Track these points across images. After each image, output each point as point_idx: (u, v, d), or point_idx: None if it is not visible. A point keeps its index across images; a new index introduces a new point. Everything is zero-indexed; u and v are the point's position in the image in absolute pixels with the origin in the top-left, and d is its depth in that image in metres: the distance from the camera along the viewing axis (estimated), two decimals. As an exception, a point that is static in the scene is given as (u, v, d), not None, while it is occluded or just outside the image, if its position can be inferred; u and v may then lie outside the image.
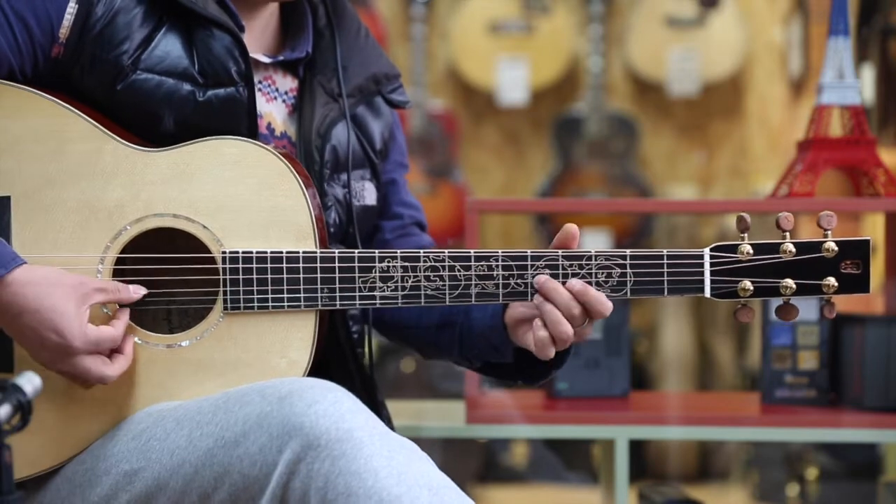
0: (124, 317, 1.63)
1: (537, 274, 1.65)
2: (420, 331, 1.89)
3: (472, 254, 1.65)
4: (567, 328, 1.63)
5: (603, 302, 1.64)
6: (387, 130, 1.93)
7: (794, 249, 1.64)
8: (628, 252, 1.65)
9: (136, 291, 1.64)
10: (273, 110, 1.81)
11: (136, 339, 1.65)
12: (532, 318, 1.68)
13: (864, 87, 3.74)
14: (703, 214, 5.15)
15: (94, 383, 1.61)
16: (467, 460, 4.45)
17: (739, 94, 5.36)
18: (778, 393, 2.37)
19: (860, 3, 3.92)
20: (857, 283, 1.64)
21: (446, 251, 1.66)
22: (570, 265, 1.65)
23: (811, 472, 3.68)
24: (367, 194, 1.89)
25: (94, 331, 1.58)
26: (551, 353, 1.66)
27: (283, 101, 1.83)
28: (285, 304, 1.65)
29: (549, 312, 1.64)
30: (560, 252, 1.65)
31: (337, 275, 1.65)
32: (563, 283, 1.64)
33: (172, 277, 1.67)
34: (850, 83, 2.36)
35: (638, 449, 4.58)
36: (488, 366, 1.85)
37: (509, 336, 1.73)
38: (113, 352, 1.61)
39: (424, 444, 1.64)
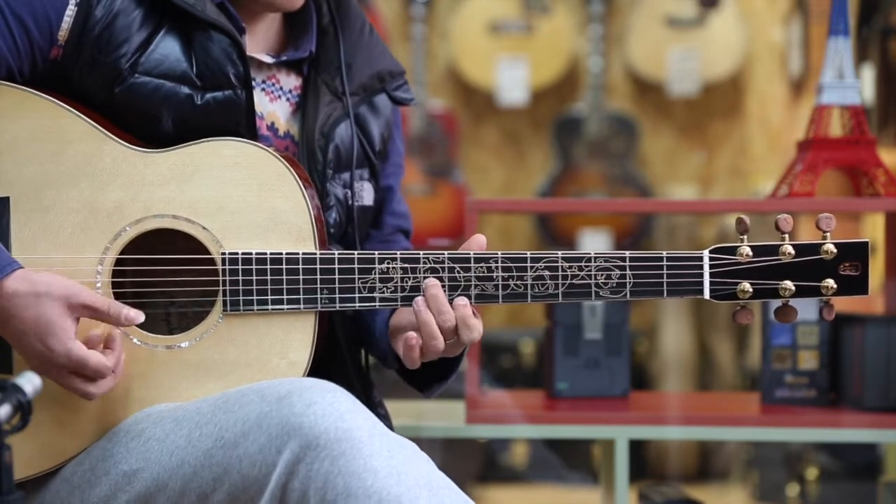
0: (118, 347, 1.61)
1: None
2: (356, 327, 1.89)
3: (472, 255, 1.65)
4: (439, 343, 1.64)
5: (472, 327, 1.64)
6: (386, 130, 1.92)
7: (793, 251, 1.64)
8: (628, 254, 1.65)
9: (128, 318, 1.59)
10: (276, 109, 1.81)
11: (135, 340, 1.65)
12: (411, 328, 1.68)
13: (864, 87, 3.74)
14: (703, 214, 5.15)
15: (78, 396, 1.60)
16: (467, 460, 4.44)
17: (739, 94, 5.35)
18: (778, 393, 2.37)
19: (860, 3, 3.91)
20: (855, 285, 1.65)
21: (446, 252, 1.66)
22: (570, 266, 1.65)
23: (811, 472, 3.68)
24: (366, 195, 1.89)
25: (80, 351, 1.56)
26: (415, 363, 1.67)
27: (287, 99, 1.83)
28: (285, 305, 1.65)
29: (425, 323, 1.64)
30: (560, 253, 1.66)
31: (336, 276, 1.65)
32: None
33: (172, 278, 1.67)
34: (850, 83, 2.36)
35: (638, 449, 4.58)
36: (398, 370, 1.86)
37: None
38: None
39: (424, 444, 1.64)
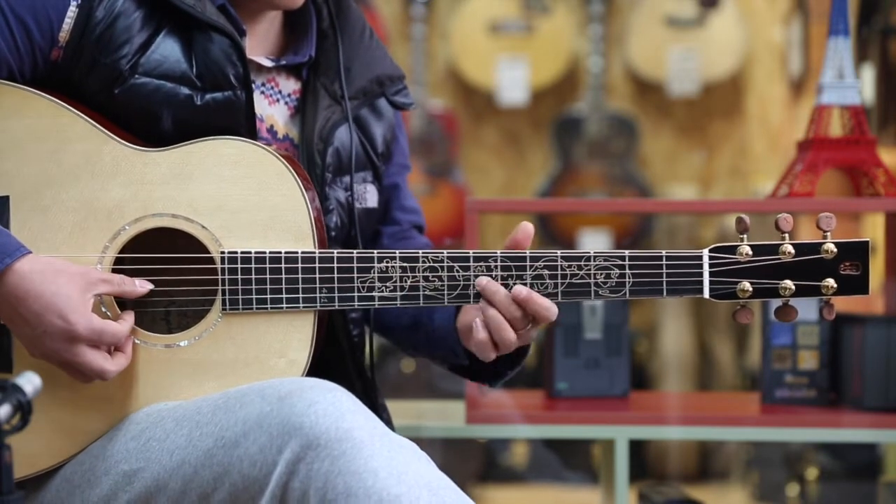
0: (130, 317, 1.63)
1: (479, 275, 1.65)
2: (398, 331, 1.90)
3: (471, 254, 1.65)
4: (510, 334, 1.64)
5: (548, 307, 1.64)
6: (389, 132, 1.92)
7: (793, 251, 1.64)
8: (627, 253, 1.65)
9: (142, 286, 1.64)
10: (275, 113, 1.81)
11: (134, 339, 1.65)
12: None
13: (864, 87, 3.74)
14: (703, 214, 5.15)
15: (93, 378, 1.60)
16: (467, 460, 4.45)
17: (739, 94, 5.35)
18: (778, 393, 2.37)
19: (860, 3, 3.91)
20: (856, 285, 1.64)
21: (445, 252, 1.66)
22: (569, 265, 1.65)
23: (811, 472, 3.68)
24: (369, 196, 1.89)
25: (99, 321, 1.58)
26: (492, 356, 1.67)
27: (286, 103, 1.83)
28: (284, 304, 1.65)
29: (491, 318, 1.64)
30: (559, 252, 1.66)
31: (335, 275, 1.65)
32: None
33: (171, 277, 1.67)
34: (850, 83, 2.36)
35: (638, 449, 4.58)
36: (454, 366, 1.86)
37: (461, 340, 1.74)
38: (114, 349, 1.61)
39: (424, 444, 1.64)
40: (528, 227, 1.67)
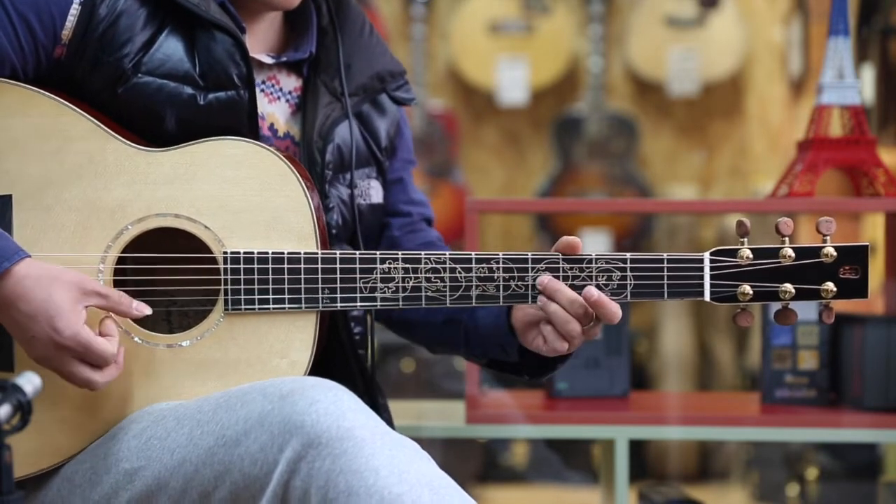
0: (115, 334, 1.60)
1: (538, 275, 1.66)
2: (427, 328, 1.89)
3: (473, 256, 1.66)
4: (575, 326, 1.65)
5: (614, 311, 1.64)
6: (393, 128, 1.92)
7: (793, 254, 1.64)
8: (629, 255, 1.66)
9: (139, 309, 1.61)
10: (276, 111, 1.81)
11: (136, 338, 1.65)
12: (539, 322, 1.69)
13: (864, 87, 3.74)
14: (703, 215, 5.15)
15: (82, 387, 1.60)
16: (467, 460, 4.45)
17: (739, 94, 5.36)
18: (778, 393, 2.37)
19: (860, 3, 3.92)
20: (855, 289, 1.65)
21: (447, 253, 1.66)
22: (571, 268, 1.66)
23: (811, 472, 3.68)
24: (374, 192, 1.89)
25: (86, 335, 1.56)
26: (563, 347, 1.67)
27: (287, 100, 1.83)
28: (286, 304, 1.65)
29: (554, 313, 1.65)
30: (561, 255, 1.66)
31: (338, 276, 1.65)
32: (570, 286, 1.65)
33: (173, 277, 1.67)
34: (850, 83, 2.36)
35: (638, 449, 4.59)
36: (494, 362, 1.85)
37: (517, 338, 1.74)
38: None
39: (424, 443, 1.64)
40: (569, 240, 1.67)
